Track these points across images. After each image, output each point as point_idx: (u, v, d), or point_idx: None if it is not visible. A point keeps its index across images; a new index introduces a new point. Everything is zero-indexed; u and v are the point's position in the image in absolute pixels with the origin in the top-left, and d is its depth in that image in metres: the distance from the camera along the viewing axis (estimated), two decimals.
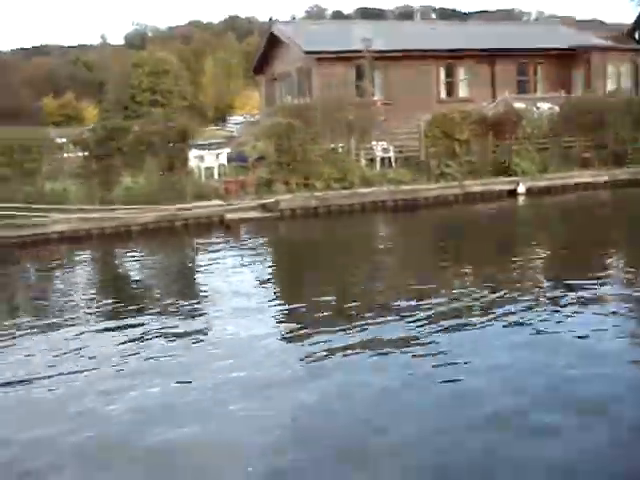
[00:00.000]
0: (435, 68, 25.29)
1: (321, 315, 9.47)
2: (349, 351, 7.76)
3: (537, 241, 15.50)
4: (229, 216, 19.11)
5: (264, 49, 28.13)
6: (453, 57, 25.40)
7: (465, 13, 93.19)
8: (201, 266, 14.07)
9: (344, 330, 8.57)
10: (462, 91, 25.80)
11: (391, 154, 23.02)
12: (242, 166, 22.84)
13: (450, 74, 25.57)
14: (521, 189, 21.78)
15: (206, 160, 22.41)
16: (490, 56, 25.72)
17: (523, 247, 14.84)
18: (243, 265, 13.82)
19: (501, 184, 22.04)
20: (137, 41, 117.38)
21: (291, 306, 10.37)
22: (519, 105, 24.94)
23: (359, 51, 22.28)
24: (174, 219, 18.33)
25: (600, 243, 14.65)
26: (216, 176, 22.01)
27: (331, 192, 20.43)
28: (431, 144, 22.17)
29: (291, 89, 26.27)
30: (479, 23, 33.14)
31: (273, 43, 26.97)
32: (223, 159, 23.00)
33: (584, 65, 25.93)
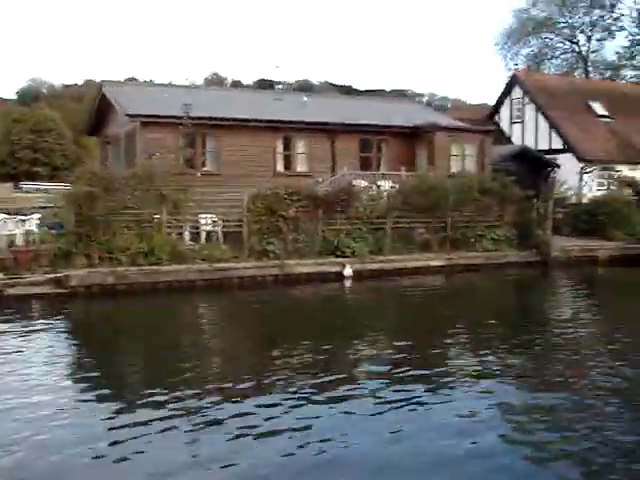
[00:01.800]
0: (272, 140, 24.01)
1: None
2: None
3: (326, 330, 13.90)
4: (10, 291, 16.80)
5: (96, 110, 26.23)
6: (292, 129, 24.24)
7: (361, 91, 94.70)
8: None
9: None
10: (300, 165, 24.61)
11: (219, 228, 21.36)
12: (61, 234, 20.46)
13: (288, 147, 24.34)
14: (347, 272, 20.42)
15: (8, 226, 20.06)
16: (331, 130, 24.75)
17: (305, 337, 13.15)
18: None
19: (327, 265, 20.64)
20: (29, 97, 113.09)
21: None
22: (359, 182, 23.94)
23: (181, 117, 20.71)
24: None
25: (405, 332, 13.81)
26: (19, 244, 19.65)
27: (133, 268, 18.37)
28: (254, 220, 20.56)
29: (118, 154, 24.37)
30: (326, 96, 32.48)
31: (105, 104, 25.12)
32: (32, 225, 20.63)
33: (427, 144, 25.29)
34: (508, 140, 35.98)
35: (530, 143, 35.13)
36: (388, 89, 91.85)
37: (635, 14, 55.39)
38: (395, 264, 21.56)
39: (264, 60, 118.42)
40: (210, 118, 22.59)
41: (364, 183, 24.29)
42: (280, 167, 24.38)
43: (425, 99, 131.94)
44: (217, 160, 23.32)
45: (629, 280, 23.15)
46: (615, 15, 56.79)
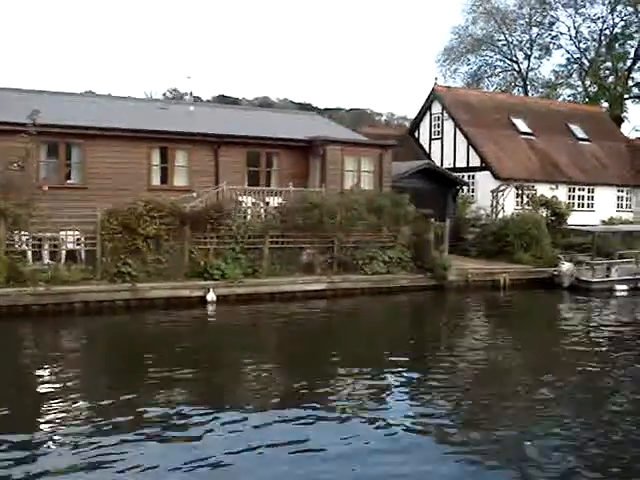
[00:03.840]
0: (147, 151, 22.12)
1: None
2: None
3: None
4: None
5: None
6: (170, 140, 22.39)
7: (320, 109, 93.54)
8: None
9: None
10: (179, 179, 22.72)
11: (82, 247, 19.44)
12: None
13: (165, 159, 22.46)
14: (210, 297, 18.67)
15: None
16: (214, 142, 22.94)
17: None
18: None
19: (188, 289, 18.77)
20: None
21: None
22: (245, 199, 22.18)
23: (32, 125, 18.69)
24: None
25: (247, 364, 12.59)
26: None
27: None
28: (109, 238, 18.64)
29: None
30: (217, 106, 30.70)
31: None
32: None
33: (320, 158, 23.63)
34: (427, 157, 34.62)
35: (449, 160, 33.86)
36: (347, 107, 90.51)
37: (573, 32, 55.00)
38: (270, 288, 19.81)
39: (225, 76, 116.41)
40: (70, 127, 20.65)
41: (251, 199, 22.57)
42: (156, 181, 22.50)
43: (384, 118, 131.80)
44: (82, 172, 21.35)
45: (527, 306, 21.78)
46: (553, 33, 56.42)
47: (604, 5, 52.94)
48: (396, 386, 11.46)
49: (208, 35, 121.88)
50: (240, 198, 22.35)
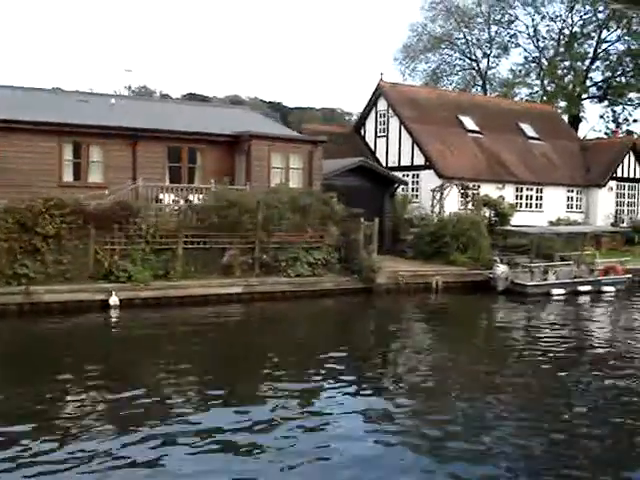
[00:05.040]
0: (58, 145, 20.88)
1: None
2: None
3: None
4: None
5: None
6: (85, 134, 21.15)
7: (290, 108, 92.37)
8: None
9: None
10: (94, 175, 21.50)
11: None
12: None
13: (79, 154, 21.21)
14: (113, 301, 17.52)
15: None
16: (132, 136, 21.74)
17: None
18: None
19: (90, 292, 17.57)
20: None
21: None
22: (164, 196, 21.04)
23: None
24: None
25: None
26: None
27: None
28: (4, 237, 17.36)
29: None
30: (141, 99, 29.29)
31: None
32: None
33: (246, 154, 22.52)
34: (373, 155, 33.67)
35: (394, 158, 32.94)
36: (318, 107, 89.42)
37: (532, 31, 54.47)
38: (180, 291, 18.67)
39: (194, 74, 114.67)
40: None
41: (172, 197, 21.43)
42: (68, 177, 21.28)
43: (354, 118, 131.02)
44: None
45: (456, 311, 20.88)
46: (512, 32, 55.87)
47: (563, 4, 52.57)
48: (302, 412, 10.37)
49: (179, 33, 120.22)
50: (160, 196, 21.23)
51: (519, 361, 13.98)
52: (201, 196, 21.46)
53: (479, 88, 57.39)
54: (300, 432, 9.09)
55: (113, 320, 16.85)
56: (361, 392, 11.42)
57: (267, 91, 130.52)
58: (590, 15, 51.89)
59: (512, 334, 17.24)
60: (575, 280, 23.70)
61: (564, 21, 53.20)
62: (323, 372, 12.38)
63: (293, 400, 10.53)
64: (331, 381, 11.71)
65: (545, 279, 23.18)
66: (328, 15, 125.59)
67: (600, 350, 15.50)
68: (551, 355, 14.43)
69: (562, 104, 51.85)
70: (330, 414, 9.89)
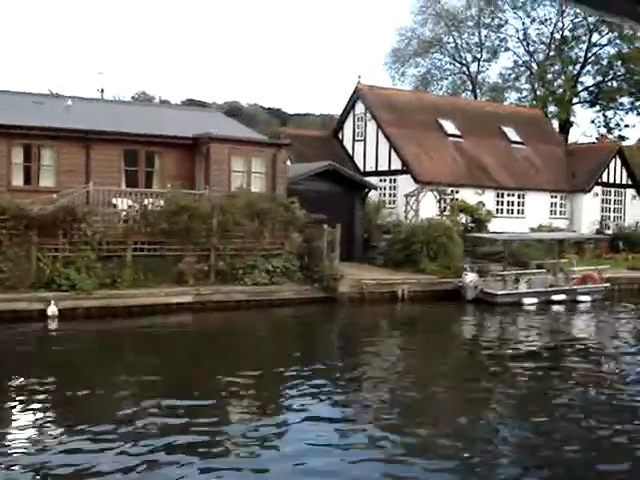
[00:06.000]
0: (7, 148, 20.08)
1: None
2: None
3: None
4: None
5: None
6: (35, 136, 20.35)
7: (290, 115, 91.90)
8: None
9: None
10: (46, 179, 20.68)
11: None
12: None
13: (29, 157, 20.40)
14: (51, 310, 16.66)
15: None
16: (86, 139, 20.93)
17: None
18: None
19: (27, 302, 16.71)
20: None
21: None
22: (119, 201, 20.21)
23: None
24: None
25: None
26: None
27: None
28: None
29: None
30: (100, 100, 28.35)
31: None
32: None
33: (205, 157, 21.69)
34: (350, 159, 32.85)
35: (371, 163, 32.10)
36: (317, 113, 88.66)
37: (521, 35, 53.66)
38: (126, 300, 17.82)
39: (194, 80, 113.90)
40: None
41: (128, 202, 20.59)
42: (18, 181, 20.47)
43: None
44: None
45: (422, 321, 20.00)
46: (502, 36, 55.07)
47: (553, 7, 51.72)
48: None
49: (180, 39, 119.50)
50: (114, 200, 20.41)
51: (472, 372, 13.13)
52: (158, 201, 20.65)
53: (469, 92, 56.58)
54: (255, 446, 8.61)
55: (48, 332, 16.01)
56: (317, 404, 10.61)
57: (267, 97, 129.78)
58: (580, 19, 51.07)
59: (471, 345, 16.38)
60: (548, 289, 22.77)
61: (554, 25, 52.48)
62: (265, 383, 11.56)
63: (243, 417, 9.99)
64: (283, 394, 11.00)
65: (517, 288, 22.28)
66: (328, 21, 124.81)
67: (552, 362, 14.65)
68: (506, 364, 13.62)
69: (552, 109, 51.04)
70: (286, 425, 9.56)
